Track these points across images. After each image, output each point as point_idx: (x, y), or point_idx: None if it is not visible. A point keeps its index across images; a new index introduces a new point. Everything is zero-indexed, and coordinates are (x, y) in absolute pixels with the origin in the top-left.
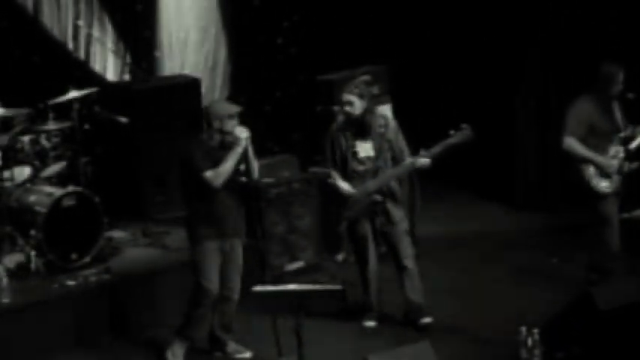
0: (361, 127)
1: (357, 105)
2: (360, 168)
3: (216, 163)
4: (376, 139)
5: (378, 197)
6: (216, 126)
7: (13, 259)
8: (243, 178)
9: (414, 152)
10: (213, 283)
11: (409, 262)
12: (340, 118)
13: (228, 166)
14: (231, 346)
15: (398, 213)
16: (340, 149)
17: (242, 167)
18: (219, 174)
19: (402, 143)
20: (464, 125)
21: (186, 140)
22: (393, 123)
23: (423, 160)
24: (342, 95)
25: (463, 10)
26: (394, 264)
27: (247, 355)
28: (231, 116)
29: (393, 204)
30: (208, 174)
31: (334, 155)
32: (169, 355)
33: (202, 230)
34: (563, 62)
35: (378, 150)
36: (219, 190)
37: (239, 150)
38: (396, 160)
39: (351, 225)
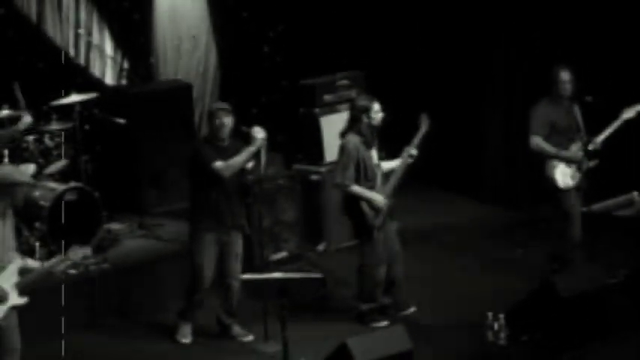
0: (373, 137)
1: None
2: (373, 175)
3: (222, 158)
4: (376, 146)
5: (393, 200)
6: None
7: (78, 253)
8: (250, 176)
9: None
10: (207, 271)
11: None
12: (355, 129)
13: (239, 160)
14: (236, 329)
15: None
16: (364, 161)
17: (250, 165)
18: (229, 166)
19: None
20: (422, 114)
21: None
22: None
23: (414, 152)
24: (373, 104)
25: (433, 16)
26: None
27: (250, 337)
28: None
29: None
30: (218, 164)
31: (358, 167)
32: (179, 336)
33: (202, 222)
34: (527, 62)
35: (378, 156)
36: (222, 185)
37: (253, 149)
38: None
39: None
